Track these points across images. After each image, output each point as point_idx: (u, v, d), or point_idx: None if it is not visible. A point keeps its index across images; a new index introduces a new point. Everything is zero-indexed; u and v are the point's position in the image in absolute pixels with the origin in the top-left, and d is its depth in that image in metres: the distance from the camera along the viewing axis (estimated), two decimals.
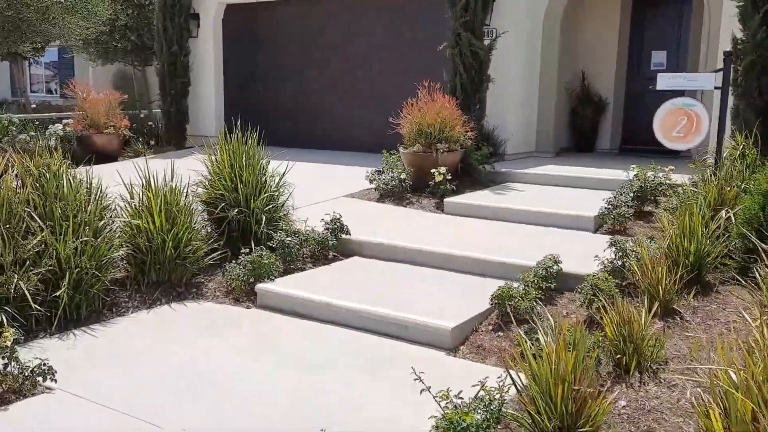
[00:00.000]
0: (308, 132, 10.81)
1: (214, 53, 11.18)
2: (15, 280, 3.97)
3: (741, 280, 4.06)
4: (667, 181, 6.38)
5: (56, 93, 19.54)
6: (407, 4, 9.53)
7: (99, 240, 4.43)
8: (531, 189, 7.36)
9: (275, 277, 4.89)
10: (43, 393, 3.36)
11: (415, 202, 7.01)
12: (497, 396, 2.72)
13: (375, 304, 4.33)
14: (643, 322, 3.36)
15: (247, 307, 4.74)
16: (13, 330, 3.45)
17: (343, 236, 5.57)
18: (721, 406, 2.16)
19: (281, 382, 3.56)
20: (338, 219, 5.60)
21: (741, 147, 5.81)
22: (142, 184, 4.99)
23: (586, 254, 4.81)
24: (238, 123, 5.70)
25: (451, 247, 5.28)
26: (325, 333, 4.26)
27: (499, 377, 2.85)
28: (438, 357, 3.86)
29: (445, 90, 7.81)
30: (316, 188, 7.17)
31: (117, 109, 10.27)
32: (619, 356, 3.28)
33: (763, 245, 4.05)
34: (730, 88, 6.00)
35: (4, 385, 3.32)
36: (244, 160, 5.53)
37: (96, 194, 4.76)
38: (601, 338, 3.36)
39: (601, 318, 3.49)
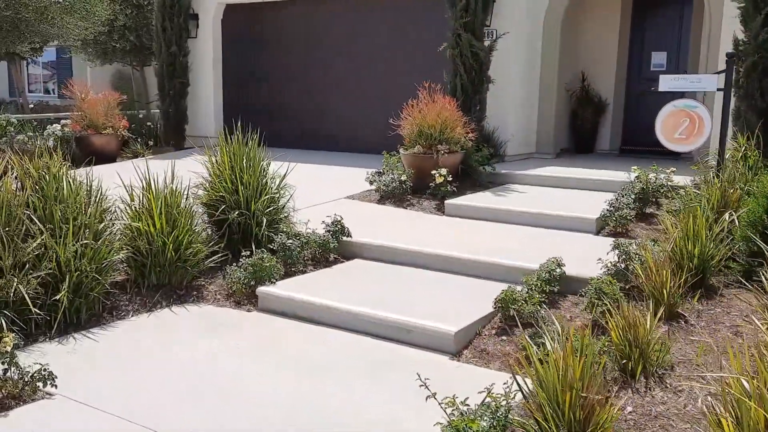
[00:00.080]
0: (307, 133, 10.78)
1: (214, 53, 11.14)
2: (14, 284, 3.93)
3: (746, 283, 4.03)
4: (669, 183, 6.36)
5: (54, 93, 19.48)
6: (412, 4, 9.49)
7: (99, 243, 4.40)
8: (532, 190, 7.34)
9: (276, 280, 4.86)
10: (43, 398, 3.33)
11: (415, 203, 6.99)
12: (503, 402, 2.69)
13: (376, 308, 4.30)
14: (648, 326, 3.34)
15: (248, 311, 4.71)
16: (13, 335, 3.41)
17: (344, 238, 5.54)
18: (733, 414, 2.13)
19: (282, 385, 3.53)
20: (339, 221, 5.57)
21: (743, 149, 5.80)
22: (143, 186, 4.95)
23: (588, 256, 4.78)
24: (239, 124, 5.67)
25: (453, 250, 5.25)
26: (326, 336, 4.23)
27: (505, 383, 2.82)
28: (441, 361, 3.83)
29: (445, 91, 7.78)
30: (315, 189, 7.14)
31: (116, 109, 10.22)
32: (624, 361, 3.25)
33: None
34: (732, 89, 5.98)
35: (3, 391, 3.28)
36: (244, 161, 5.49)
37: (96, 196, 4.73)
38: (607, 343, 3.34)
39: (607, 322, 3.46)
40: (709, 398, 2.45)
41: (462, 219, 6.51)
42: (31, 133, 10.10)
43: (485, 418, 2.61)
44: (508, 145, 8.59)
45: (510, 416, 2.72)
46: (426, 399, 2.80)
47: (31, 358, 3.68)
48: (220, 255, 5.15)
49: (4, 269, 4.02)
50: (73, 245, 4.23)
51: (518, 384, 2.68)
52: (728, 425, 2.07)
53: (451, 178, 6.97)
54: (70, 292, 4.18)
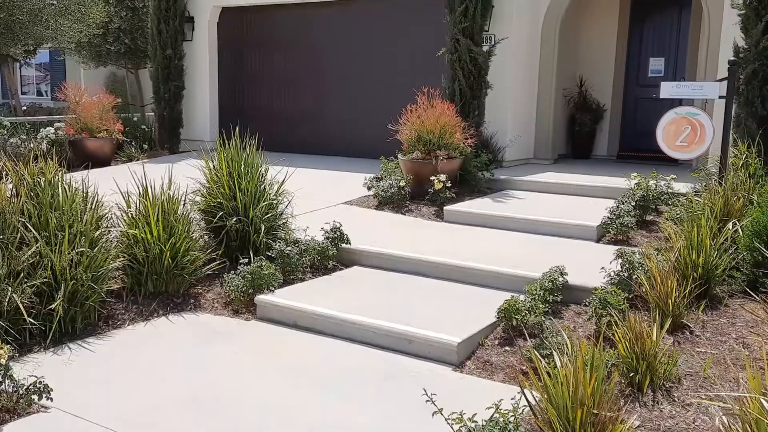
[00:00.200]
0: (304, 137, 10.70)
1: (209, 57, 11.05)
2: (9, 293, 3.85)
3: (752, 293, 4.00)
4: (669, 190, 6.34)
5: (47, 95, 19.32)
6: (411, 7, 9.43)
7: (95, 250, 4.32)
8: (531, 196, 7.30)
9: (275, 288, 4.79)
10: (38, 412, 3.25)
11: (414, 209, 6.93)
12: (512, 419, 2.64)
13: (377, 317, 4.24)
14: (655, 338, 3.29)
15: (247, 319, 4.63)
16: (8, 347, 3.33)
17: (343, 245, 5.48)
18: None
19: (281, 395, 3.47)
20: (338, 228, 5.51)
21: (744, 156, 5.77)
22: (139, 193, 4.88)
23: (590, 265, 4.74)
24: (237, 129, 5.60)
25: (453, 257, 5.20)
26: (326, 346, 4.16)
27: (513, 398, 2.76)
28: (444, 373, 3.77)
29: (443, 96, 7.74)
30: (313, 195, 7.07)
31: (110, 112, 10.11)
32: (632, 374, 3.21)
33: None
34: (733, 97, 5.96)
35: None
36: (242, 167, 5.43)
37: (92, 203, 4.64)
38: (614, 356, 3.29)
39: (613, 333, 3.41)
40: (724, 417, 2.40)
41: (461, 225, 6.46)
42: (24, 136, 9.98)
43: None
44: (507, 151, 8.55)
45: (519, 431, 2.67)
46: (432, 415, 2.73)
47: (26, 370, 3.60)
48: (217, 262, 5.08)
49: None
50: (69, 253, 4.15)
51: (527, 401, 2.62)
52: None
53: (449, 184, 6.92)
54: (65, 301, 4.10)
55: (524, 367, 3.58)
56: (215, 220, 5.31)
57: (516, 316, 3.98)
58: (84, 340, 4.17)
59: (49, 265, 4.12)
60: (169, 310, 4.69)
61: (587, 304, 4.10)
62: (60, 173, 4.59)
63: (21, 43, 10.43)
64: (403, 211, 6.89)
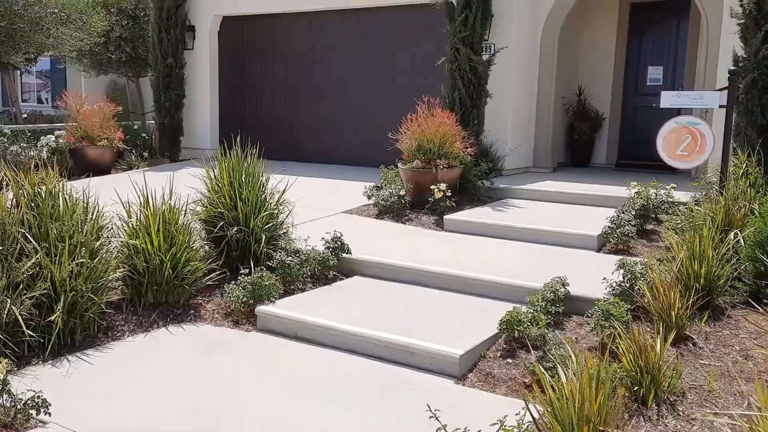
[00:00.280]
0: (303, 145, 10.71)
1: (210, 65, 11.07)
2: (8, 305, 3.82)
3: (754, 304, 3.98)
4: (669, 199, 6.33)
5: (47, 102, 19.33)
6: (411, 16, 9.46)
7: (95, 261, 4.29)
8: (531, 205, 7.29)
9: (275, 298, 4.77)
10: (36, 427, 3.22)
11: (414, 219, 6.92)
12: None
13: (378, 329, 4.21)
14: (658, 350, 3.27)
15: (247, 330, 4.61)
16: (6, 361, 3.30)
17: (344, 255, 5.46)
18: None
19: (281, 406, 3.44)
20: (339, 237, 5.50)
21: (744, 166, 5.77)
22: (140, 203, 4.86)
23: (591, 275, 4.73)
24: (237, 138, 5.59)
25: (453, 267, 5.18)
26: (326, 357, 4.14)
27: (517, 413, 2.74)
28: (445, 385, 3.74)
29: (444, 105, 7.74)
30: (312, 204, 7.05)
31: (111, 121, 10.11)
32: (636, 388, 3.18)
33: None
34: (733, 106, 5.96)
35: None
36: (243, 177, 5.41)
37: (93, 213, 4.62)
38: (618, 369, 3.27)
39: (617, 346, 3.39)
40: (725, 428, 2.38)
41: (461, 235, 6.45)
42: (24, 144, 9.98)
43: None
44: (506, 159, 8.55)
45: None
46: (436, 431, 2.71)
47: (24, 383, 3.57)
48: (218, 272, 5.05)
49: None
50: (69, 264, 4.13)
51: (532, 417, 2.60)
52: None
53: (449, 193, 6.92)
54: (64, 312, 4.07)
55: (527, 380, 3.56)
56: (216, 230, 5.29)
57: (518, 328, 3.96)
58: (83, 352, 4.14)
59: (49, 276, 4.10)
60: (169, 321, 4.67)
61: (589, 315, 4.08)
62: (61, 183, 4.57)
63: (22, 51, 10.44)
64: (404, 220, 6.87)
